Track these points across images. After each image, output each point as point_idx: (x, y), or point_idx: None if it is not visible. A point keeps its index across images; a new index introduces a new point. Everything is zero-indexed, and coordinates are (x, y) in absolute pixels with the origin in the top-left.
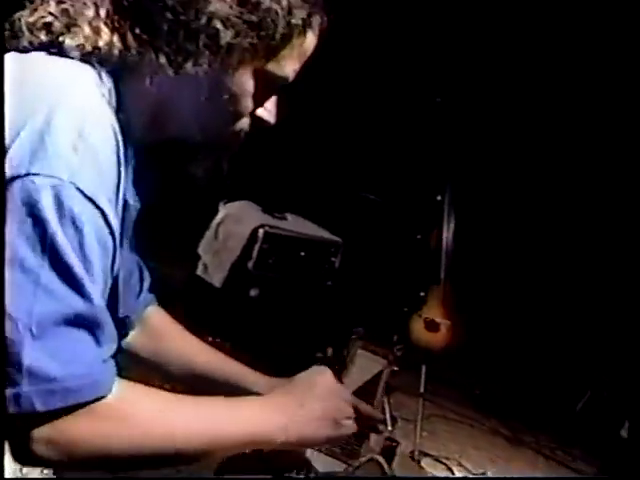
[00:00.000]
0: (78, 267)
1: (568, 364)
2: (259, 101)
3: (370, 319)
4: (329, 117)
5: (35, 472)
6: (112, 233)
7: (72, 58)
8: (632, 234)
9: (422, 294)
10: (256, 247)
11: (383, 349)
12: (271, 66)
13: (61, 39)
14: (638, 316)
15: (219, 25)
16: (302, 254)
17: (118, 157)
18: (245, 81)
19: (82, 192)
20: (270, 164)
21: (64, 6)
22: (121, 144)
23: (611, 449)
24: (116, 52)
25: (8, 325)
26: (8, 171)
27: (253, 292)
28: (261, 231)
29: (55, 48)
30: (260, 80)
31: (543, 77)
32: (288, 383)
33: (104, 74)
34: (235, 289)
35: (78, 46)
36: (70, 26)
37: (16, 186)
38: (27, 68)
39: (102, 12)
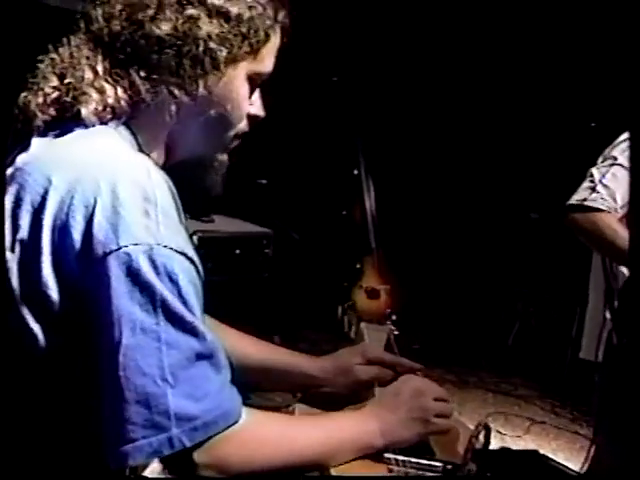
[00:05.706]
0: (185, 313)
1: (494, 304)
2: (250, 100)
3: (313, 299)
4: None
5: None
6: (197, 270)
7: (92, 126)
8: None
9: (358, 266)
10: None
11: (378, 317)
12: (257, 66)
13: (75, 110)
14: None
15: (215, 45)
16: (237, 252)
17: (175, 199)
18: (242, 86)
19: (168, 248)
20: None
21: (67, 80)
22: (173, 187)
23: (547, 372)
24: (124, 104)
25: (144, 381)
26: (98, 248)
27: None
28: (195, 238)
29: (70, 122)
30: (251, 81)
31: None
32: (379, 393)
33: (120, 127)
34: None
35: (95, 113)
36: (77, 97)
37: (112, 261)
38: (63, 151)
39: (100, 69)
